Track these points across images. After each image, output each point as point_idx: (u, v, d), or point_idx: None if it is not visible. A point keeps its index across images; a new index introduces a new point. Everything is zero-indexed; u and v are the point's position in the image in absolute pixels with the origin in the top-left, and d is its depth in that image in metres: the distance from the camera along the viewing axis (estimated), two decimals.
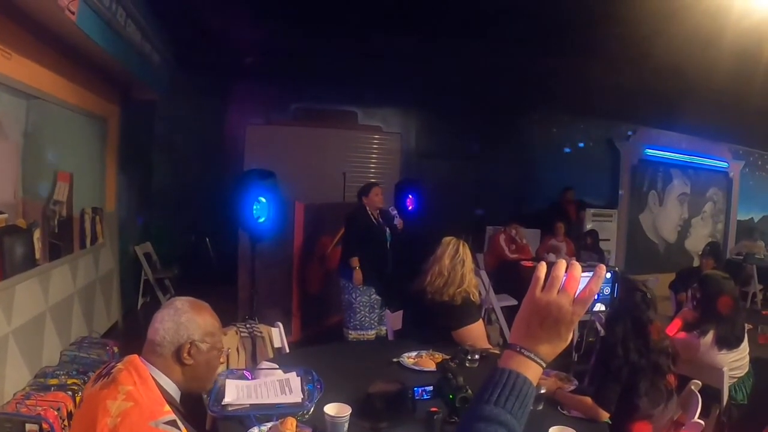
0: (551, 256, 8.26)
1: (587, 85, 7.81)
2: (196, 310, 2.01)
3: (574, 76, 7.59)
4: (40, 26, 4.25)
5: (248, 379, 2.77)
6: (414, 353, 3.39)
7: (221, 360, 2.11)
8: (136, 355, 1.92)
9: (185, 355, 1.93)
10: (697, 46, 5.57)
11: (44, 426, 3.70)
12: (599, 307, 1.13)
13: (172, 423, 1.73)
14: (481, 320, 3.95)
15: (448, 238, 3.98)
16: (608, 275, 1.13)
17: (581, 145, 10.78)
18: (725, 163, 11.94)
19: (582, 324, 5.76)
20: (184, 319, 1.96)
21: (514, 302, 7.17)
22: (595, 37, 5.89)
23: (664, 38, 5.52)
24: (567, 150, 10.71)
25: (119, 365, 1.86)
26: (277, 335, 3.91)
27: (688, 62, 6.13)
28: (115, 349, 5.30)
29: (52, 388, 4.18)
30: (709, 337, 3.56)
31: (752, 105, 7.16)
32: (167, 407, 1.78)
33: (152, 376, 1.86)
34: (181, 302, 2.01)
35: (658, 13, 5.11)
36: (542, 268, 1.08)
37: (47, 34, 4.42)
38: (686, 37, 5.38)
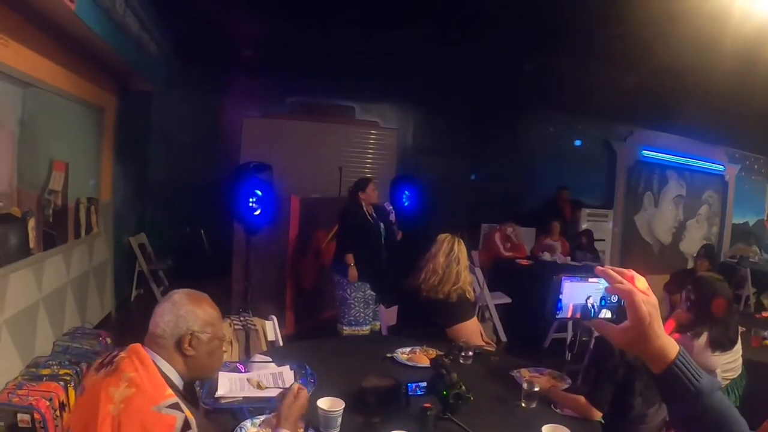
0: (546, 255, 8.28)
1: (586, 86, 7.82)
2: (195, 301, 2.01)
3: (572, 76, 7.60)
4: (39, 14, 4.22)
5: (241, 371, 2.77)
6: (408, 349, 3.39)
7: (224, 348, 2.11)
8: (138, 344, 1.93)
9: (186, 346, 1.94)
10: (697, 49, 5.57)
11: (36, 416, 3.69)
12: (605, 313, 1.14)
13: (175, 406, 1.75)
14: (475, 317, 3.96)
15: (443, 235, 3.98)
16: None
17: (578, 144, 10.78)
18: (721, 166, 11.96)
19: (576, 323, 5.77)
20: (183, 311, 1.96)
21: (508, 300, 7.18)
22: (595, 38, 5.90)
23: (664, 40, 5.53)
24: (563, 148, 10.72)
25: (122, 354, 1.88)
26: (271, 328, 3.91)
27: (687, 65, 6.14)
28: (108, 340, 5.29)
29: (45, 379, 4.16)
30: (703, 338, 3.56)
31: (750, 108, 7.18)
32: (169, 391, 1.80)
33: (155, 363, 1.88)
34: (179, 295, 2.01)
35: (659, 16, 5.12)
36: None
37: (45, 22, 4.39)
38: (686, 39, 5.38)
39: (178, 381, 1.95)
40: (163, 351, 1.93)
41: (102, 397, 1.73)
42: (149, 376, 1.80)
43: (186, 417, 1.75)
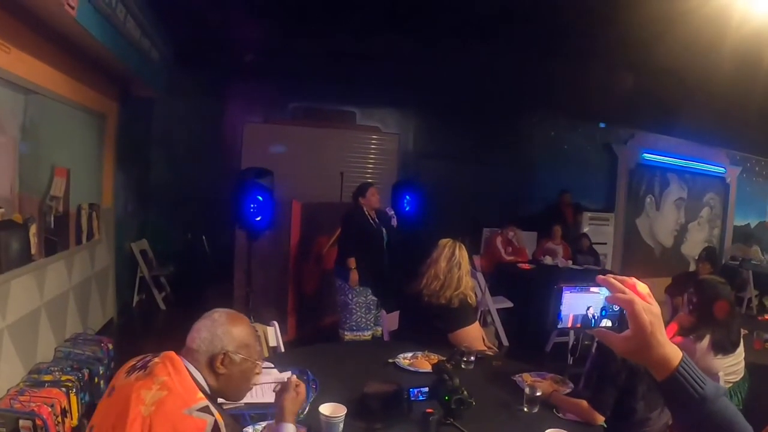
0: (548, 259, 8.27)
1: (586, 89, 7.81)
2: (233, 322, 2.02)
3: (573, 79, 7.59)
4: (40, 21, 4.23)
5: None
6: (410, 354, 3.40)
7: (256, 371, 2.10)
8: (172, 351, 1.95)
9: (218, 364, 1.95)
10: (697, 52, 5.57)
11: (38, 422, 3.69)
12: (606, 323, 1.14)
13: (205, 409, 1.78)
14: (477, 322, 3.95)
15: (444, 240, 3.98)
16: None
17: (579, 148, 10.80)
18: (722, 169, 11.96)
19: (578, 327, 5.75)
20: (219, 331, 1.97)
21: (509, 304, 7.17)
22: (595, 40, 5.89)
23: (664, 43, 5.52)
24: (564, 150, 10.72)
25: (155, 359, 1.90)
26: (273, 334, 3.90)
27: (687, 67, 6.14)
28: (110, 346, 5.29)
29: (46, 385, 4.16)
30: (705, 341, 3.56)
31: (751, 111, 7.17)
32: (200, 394, 1.82)
33: (187, 369, 1.89)
34: (219, 314, 2.03)
35: (659, 18, 5.11)
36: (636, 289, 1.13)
37: (46, 28, 4.40)
38: (686, 42, 5.38)
39: (208, 388, 1.96)
40: (197, 364, 1.94)
41: (133, 399, 1.75)
42: (181, 380, 1.83)
43: (216, 420, 1.77)
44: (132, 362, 1.95)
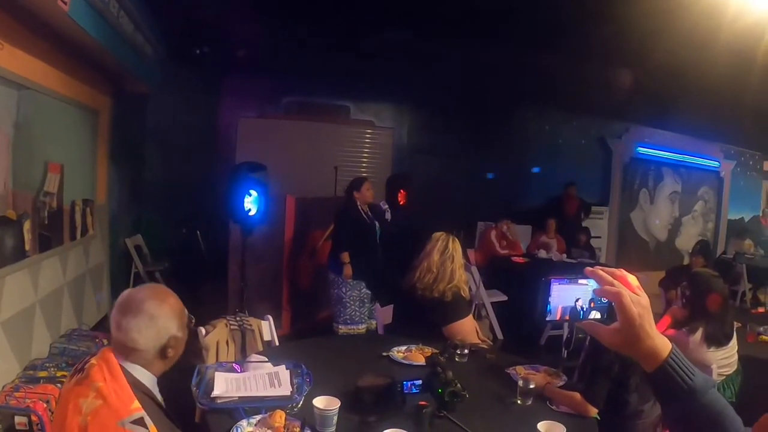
0: (542, 253, 8.29)
1: (581, 83, 7.82)
2: (167, 304, 2.01)
3: (568, 73, 7.59)
4: (32, 16, 4.21)
5: (237, 371, 2.77)
6: (403, 347, 3.40)
7: (188, 336, 2.11)
8: (110, 349, 1.92)
9: (169, 350, 1.95)
10: (692, 46, 5.57)
11: (33, 418, 3.69)
12: (594, 315, 1.15)
13: (139, 421, 1.75)
14: (471, 315, 3.96)
15: (437, 234, 3.98)
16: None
17: (574, 142, 10.81)
18: (717, 163, 11.97)
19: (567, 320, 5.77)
20: (161, 322, 1.96)
21: (504, 298, 7.19)
22: (590, 35, 5.89)
23: (660, 37, 5.54)
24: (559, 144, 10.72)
25: (93, 360, 1.88)
26: (267, 328, 3.91)
27: (682, 62, 6.14)
28: (105, 341, 5.27)
29: (42, 381, 4.16)
30: (698, 334, 3.58)
31: (745, 105, 7.18)
32: (135, 404, 1.79)
33: (125, 369, 1.87)
34: (149, 303, 1.98)
35: (654, 13, 5.11)
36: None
37: (39, 24, 4.38)
38: (681, 36, 5.38)
39: (152, 384, 1.95)
40: (142, 360, 1.93)
41: (71, 409, 1.75)
42: (117, 387, 1.80)
43: None
44: (76, 365, 1.93)
